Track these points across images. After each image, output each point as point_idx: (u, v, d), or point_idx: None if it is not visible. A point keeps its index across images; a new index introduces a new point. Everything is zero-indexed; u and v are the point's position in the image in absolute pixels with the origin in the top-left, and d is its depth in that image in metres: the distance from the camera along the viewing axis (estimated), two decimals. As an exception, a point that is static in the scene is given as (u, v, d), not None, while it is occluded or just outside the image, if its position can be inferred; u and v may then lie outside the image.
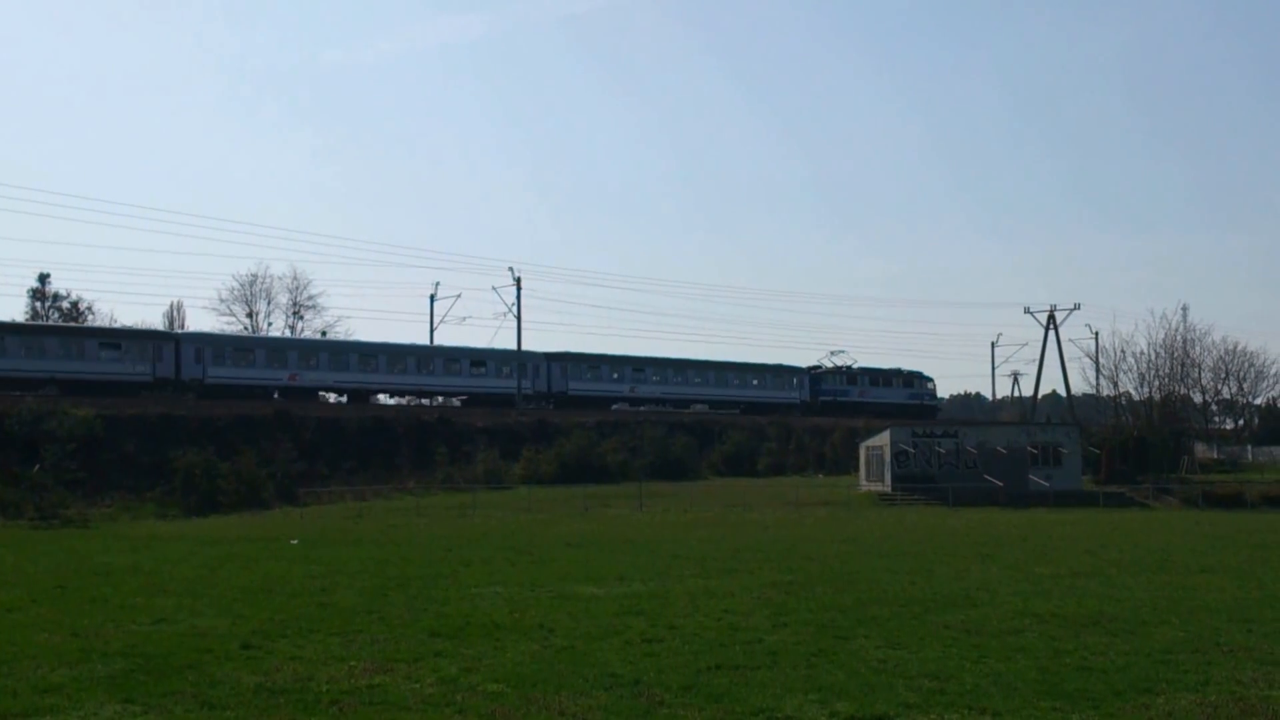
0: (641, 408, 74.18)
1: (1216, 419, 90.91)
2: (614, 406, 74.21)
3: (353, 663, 11.19)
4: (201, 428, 50.75)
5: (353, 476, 52.16)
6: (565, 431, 62.57)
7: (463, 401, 70.11)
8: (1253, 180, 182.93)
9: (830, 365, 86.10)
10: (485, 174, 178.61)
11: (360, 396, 66.04)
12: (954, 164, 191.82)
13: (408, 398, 69.15)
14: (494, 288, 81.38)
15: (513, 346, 72.17)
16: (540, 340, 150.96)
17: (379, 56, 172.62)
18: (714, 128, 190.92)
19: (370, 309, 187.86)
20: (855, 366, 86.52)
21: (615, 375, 75.17)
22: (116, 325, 62.60)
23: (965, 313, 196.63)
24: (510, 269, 75.24)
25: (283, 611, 14.78)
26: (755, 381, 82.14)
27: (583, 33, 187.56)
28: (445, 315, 78.16)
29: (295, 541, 28.02)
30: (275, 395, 61.37)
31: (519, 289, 74.13)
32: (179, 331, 62.23)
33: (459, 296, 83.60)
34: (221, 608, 15.28)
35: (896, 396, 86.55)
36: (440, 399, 70.04)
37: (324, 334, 76.30)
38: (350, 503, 46.53)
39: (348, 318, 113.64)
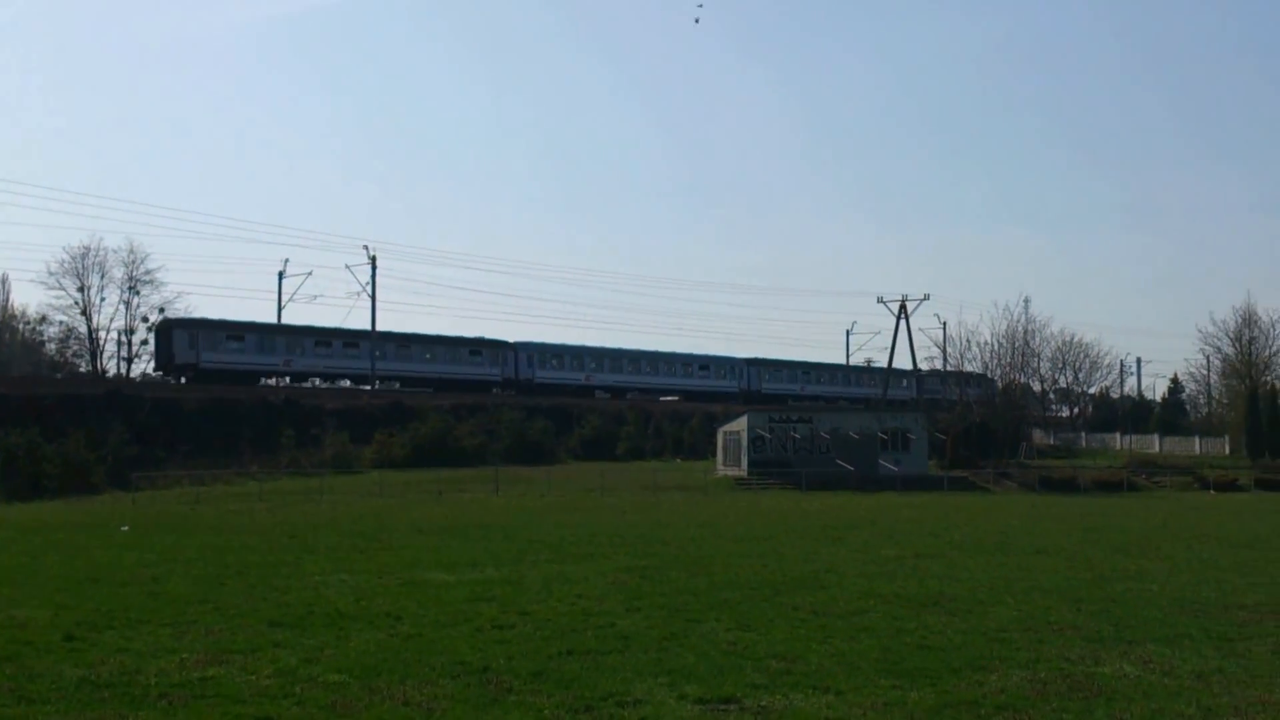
0: (806, 403, 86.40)
1: (1054, 407, 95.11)
2: (789, 402, 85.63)
3: (184, 654, 10.70)
4: (26, 407, 48.25)
5: (191, 460, 50.26)
6: (420, 414, 61.59)
7: (684, 398, 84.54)
8: (1099, 179, 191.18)
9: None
10: (335, 151, 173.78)
11: (621, 393, 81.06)
12: (819, 153, 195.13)
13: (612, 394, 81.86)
14: (348, 266, 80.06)
15: (367, 326, 70.94)
16: (393, 321, 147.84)
17: (218, 26, 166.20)
18: (576, 106, 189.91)
19: (214, 285, 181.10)
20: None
21: (793, 378, 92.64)
22: (478, 336, 78.03)
23: (822, 301, 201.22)
24: (365, 247, 74.04)
25: (110, 601, 14.08)
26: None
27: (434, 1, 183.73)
28: (295, 293, 76.21)
29: (126, 528, 26.88)
30: (570, 394, 76.52)
31: (374, 268, 72.85)
32: (517, 342, 78.34)
33: (310, 274, 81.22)
34: (43, 598, 14.49)
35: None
36: (664, 398, 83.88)
37: (162, 310, 72.63)
38: (188, 488, 44.77)
39: (189, 294, 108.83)
